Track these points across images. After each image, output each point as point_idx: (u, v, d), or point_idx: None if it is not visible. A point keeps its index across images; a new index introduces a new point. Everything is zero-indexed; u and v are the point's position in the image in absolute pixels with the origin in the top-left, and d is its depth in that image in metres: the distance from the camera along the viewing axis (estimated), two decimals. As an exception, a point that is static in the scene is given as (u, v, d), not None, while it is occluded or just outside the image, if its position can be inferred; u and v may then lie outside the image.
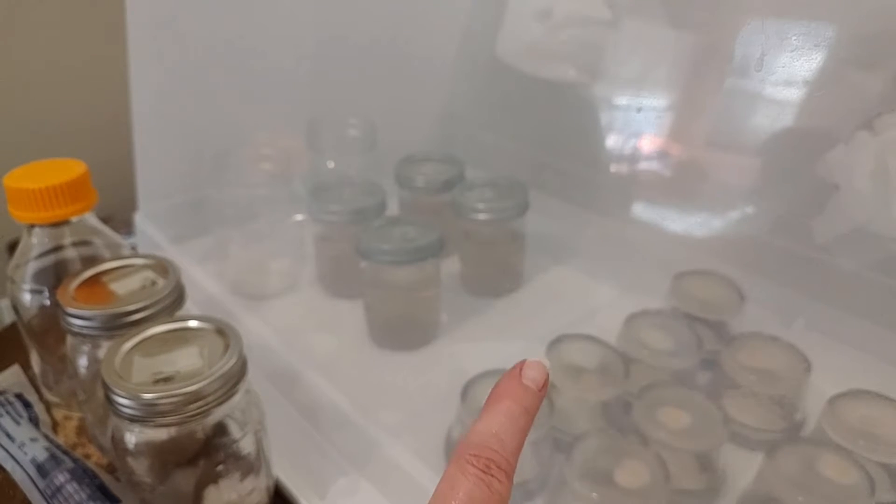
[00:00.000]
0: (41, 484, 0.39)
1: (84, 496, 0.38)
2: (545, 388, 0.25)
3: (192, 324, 0.35)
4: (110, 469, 0.41)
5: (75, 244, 0.42)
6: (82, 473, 0.39)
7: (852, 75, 0.41)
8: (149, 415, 0.30)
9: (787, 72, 0.41)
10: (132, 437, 0.32)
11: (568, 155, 0.63)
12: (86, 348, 0.38)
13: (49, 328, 0.42)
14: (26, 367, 0.48)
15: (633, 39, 0.53)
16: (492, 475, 0.21)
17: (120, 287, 0.38)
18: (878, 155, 0.39)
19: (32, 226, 0.41)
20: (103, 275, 0.39)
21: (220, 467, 0.34)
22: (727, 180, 0.50)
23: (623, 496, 0.33)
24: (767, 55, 0.40)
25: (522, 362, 0.25)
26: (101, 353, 0.37)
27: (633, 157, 0.57)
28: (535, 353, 0.42)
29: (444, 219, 0.50)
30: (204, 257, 0.56)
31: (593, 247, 0.59)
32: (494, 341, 0.50)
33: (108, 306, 0.36)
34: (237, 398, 0.33)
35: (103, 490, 0.39)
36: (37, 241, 0.41)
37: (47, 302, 0.41)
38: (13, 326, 0.46)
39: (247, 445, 0.35)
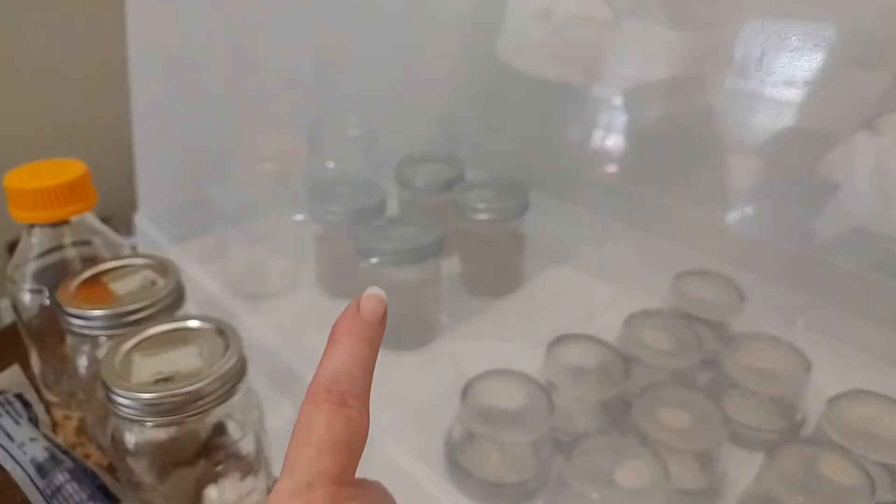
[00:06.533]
0: (41, 484, 0.39)
1: (84, 496, 0.38)
2: (384, 319, 0.24)
3: (192, 324, 0.35)
4: (110, 469, 0.41)
5: (75, 244, 0.42)
6: (82, 473, 0.39)
7: (852, 75, 0.41)
8: (149, 415, 0.30)
9: (787, 72, 0.41)
10: (132, 437, 0.32)
11: (568, 155, 0.63)
12: (86, 348, 0.38)
13: (49, 328, 0.42)
14: (26, 367, 0.48)
15: (633, 39, 0.53)
16: (349, 406, 0.21)
17: (120, 287, 0.38)
18: (878, 155, 0.39)
19: (32, 226, 0.41)
20: (103, 275, 0.39)
21: (219, 467, 0.34)
22: (727, 180, 0.50)
23: (623, 496, 0.33)
24: (767, 55, 0.40)
25: (359, 297, 0.24)
26: (101, 353, 0.37)
27: (634, 157, 0.57)
28: (535, 353, 0.42)
29: (444, 219, 0.50)
30: (204, 257, 0.56)
31: (593, 247, 0.59)
32: (494, 341, 0.50)
33: (108, 306, 0.36)
34: (237, 398, 0.33)
35: (103, 490, 0.39)
36: (37, 241, 0.41)
37: (47, 302, 0.41)
38: (13, 326, 0.46)
39: (246, 445, 0.35)
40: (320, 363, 0.23)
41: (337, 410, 0.21)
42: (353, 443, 0.21)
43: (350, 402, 0.21)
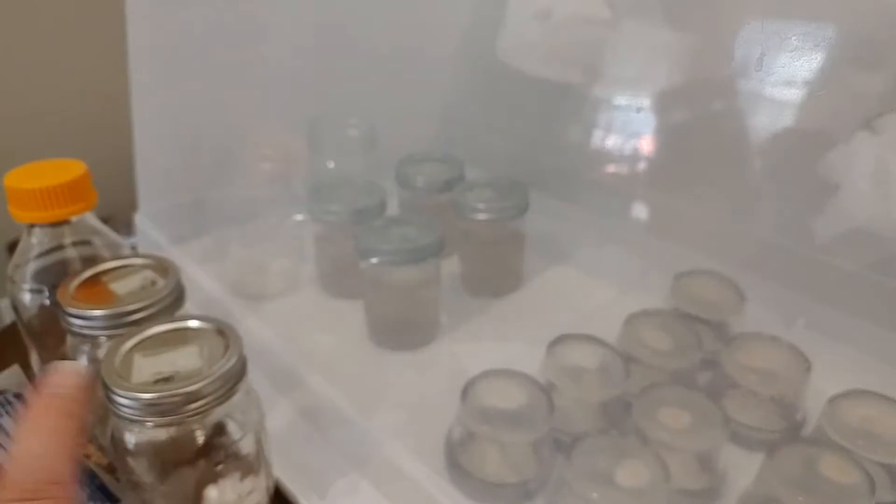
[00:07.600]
0: (41, 484, 0.39)
1: (84, 496, 0.38)
2: (83, 385, 0.24)
3: (192, 324, 0.35)
4: (110, 469, 0.41)
5: (75, 244, 0.42)
6: (82, 473, 0.39)
7: (852, 75, 0.41)
8: (149, 415, 0.30)
9: (787, 72, 0.41)
10: (132, 437, 0.32)
11: (568, 155, 0.63)
12: (86, 348, 0.38)
13: (49, 328, 0.42)
14: (26, 367, 0.48)
15: (633, 39, 0.53)
16: (46, 494, 0.20)
17: (120, 287, 0.38)
18: (878, 155, 0.40)
19: (32, 226, 0.41)
20: (103, 275, 0.39)
21: (220, 467, 0.34)
22: (727, 180, 0.51)
23: (623, 496, 0.33)
24: (767, 55, 0.40)
25: (47, 376, 0.24)
26: (101, 353, 0.37)
27: (633, 157, 0.57)
28: (536, 353, 0.42)
29: (444, 219, 0.50)
30: (204, 257, 0.56)
31: (593, 247, 0.59)
32: (494, 341, 0.50)
33: (108, 306, 0.36)
34: (237, 398, 0.33)
35: (103, 490, 0.39)
36: (37, 241, 0.41)
37: (47, 302, 0.41)
38: (13, 326, 0.46)
39: (247, 446, 0.35)
40: (12, 450, 0.22)
41: None
42: None
43: (45, 489, 0.20)
